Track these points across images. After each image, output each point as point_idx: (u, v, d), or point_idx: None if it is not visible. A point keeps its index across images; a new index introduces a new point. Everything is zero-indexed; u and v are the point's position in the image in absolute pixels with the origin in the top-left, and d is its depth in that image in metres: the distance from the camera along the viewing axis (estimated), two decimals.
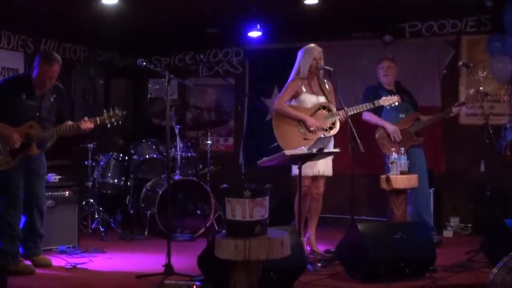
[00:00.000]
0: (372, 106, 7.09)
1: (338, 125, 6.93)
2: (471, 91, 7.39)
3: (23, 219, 6.45)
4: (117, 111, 6.45)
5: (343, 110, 6.79)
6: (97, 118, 6.44)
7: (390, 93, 7.59)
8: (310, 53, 6.99)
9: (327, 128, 6.91)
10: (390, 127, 7.71)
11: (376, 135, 7.80)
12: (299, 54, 7.07)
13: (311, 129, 6.83)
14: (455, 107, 7.74)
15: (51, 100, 6.46)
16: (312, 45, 7.07)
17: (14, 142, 6.11)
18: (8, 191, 6.23)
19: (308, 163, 6.51)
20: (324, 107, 6.98)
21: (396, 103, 7.19)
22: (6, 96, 6.20)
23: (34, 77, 6.32)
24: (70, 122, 6.45)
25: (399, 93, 7.75)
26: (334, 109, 6.98)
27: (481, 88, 7.82)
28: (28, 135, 6.21)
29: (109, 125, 6.49)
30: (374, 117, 7.77)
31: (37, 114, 6.31)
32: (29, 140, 6.22)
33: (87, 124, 6.40)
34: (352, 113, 6.87)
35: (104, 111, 6.51)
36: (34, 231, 6.56)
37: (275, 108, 7.01)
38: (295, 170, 6.85)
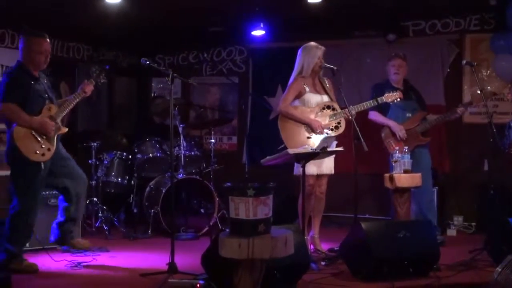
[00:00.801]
0: (376, 104, 7.09)
1: (343, 124, 6.94)
2: (478, 91, 7.38)
3: (63, 206, 6.54)
4: (99, 68, 6.74)
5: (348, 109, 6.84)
6: (92, 80, 6.63)
7: (397, 90, 7.62)
8: (314, 52, 6.98)
9: (333, 127, 6.93)
10: (395, 125, 7.71)
11: (382, 135, 7.80)
12: (300, 53, 7.07)
13: (317, 131, 6.84)
14: (461, 107, 7.74)
15: (45, 82, 6.48)
16: (313, 43, 7.06)
17: (50, 129, 6.18)
18: (33, 191, 6.23)
19: (312, 162, 6.53)
20: (328, 107, 6.98)
21: (398, 99, 7.18)
22: (22, 87, 6.17)
23: (27, 59, 6.27)
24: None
25: (407, 91, 7.78)
26: (339, 108, 6.98)
27: (489, 87, 7.82)
28: (52, 118, 6.28)
29: (101, 82, 6.81)
30: (380, 116, 7.77)
31: (47, 96, 6.35)
32: (55, 121, 6.29)
33: (89, 87, 6.56)
34: (357, 111, 6.86)
35: (94, 74, 6.71)
36: (76, 216, 6.61)
37: (281, 111, 7.01)
38: (297, 169, 6.88)
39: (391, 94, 7.15)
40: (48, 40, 6.33)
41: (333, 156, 6.94)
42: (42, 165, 6.16)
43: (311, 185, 6.88)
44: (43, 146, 6.14)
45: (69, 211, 6.52)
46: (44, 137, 6.17)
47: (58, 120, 6.33)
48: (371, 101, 7.10)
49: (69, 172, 6.49)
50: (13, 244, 6.19)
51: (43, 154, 6.14)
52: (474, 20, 8.92)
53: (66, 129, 6.47)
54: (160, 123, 10.04)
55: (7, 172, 8.20)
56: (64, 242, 6.60)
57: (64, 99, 6.55)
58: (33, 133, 6.10)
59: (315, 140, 6.76)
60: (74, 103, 6.51)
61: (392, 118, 7.78)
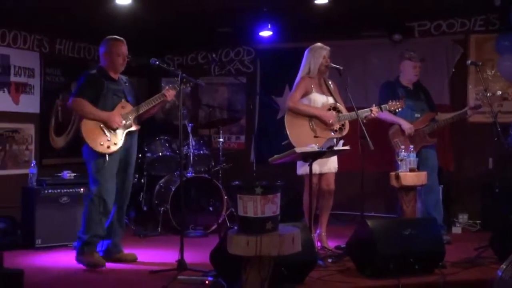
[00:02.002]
0: (380, 111, 7.12)
1: (347, 126, 7.00)
2: (489, 94, 7.41)
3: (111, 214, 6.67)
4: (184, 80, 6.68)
5: (375, 106, 6.99)
6: (176, 86, 6.65)
7: (406, 90, 7.69)
8: (319, 52, 7.02)
9: (337, 129, 6.99)
10: (405, 124, 7.72)
11: (390, 133, 7.85)
12: (306, 54, 7.11)
13: (330, 121, 6.90)
14: (470, 109, 7.80)
15: (127, 85, 6.73)
16: (319, 44, 7.11)
17: (116, 122, 6.40)
18: (102, 182, 6.42)
19: (315, 161, 6.61)
20: (334, 108, 7.03)
21: (400, 109, 7.24)
22: (96, 85, 6.44)
23: (106, 63, 6.60)
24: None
25: (416, 91, 7.83)
26: (344, 110, 7.04)
27: (499, 92, 7.85)
28: (124, 115, 6.51)
29: (187, 90, 7.05)
30: (390, 115, 7.71)
31: (123, 95, 6.60)
32: (126, 118, 6.51)
33: (170, 92, 6.66)
34: (363, 116, 6.88)
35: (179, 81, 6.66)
36: (122, 226, 6.79)
37: (289, 107, 7.02)
38: (300, 169, 6.93)
39: (394, 103, 7.14)
40: (125, 44, 6.65)
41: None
42: (107, 157, 6.37)
43: (315, 183, 6.90)
44: (109, 139, 6.38)
45: (111, 224, 6.66)
46: (112, 131, 6.40)
47: (131, 118, 6.55)
48: (376, 107, 7.12)
49: (122, 180, 6.66)
50: (85, 232, 6.41)
51: (108, 147, 6.37)
52: (479, 21, 8.95)
53: (138, 127, 6.68)
54: (163, 121, 10.11)
55: (18, 171, 8.37)
56: (109, 256, 6.66)
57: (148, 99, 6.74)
58: (102, 126, 6.36)
59: (322, 139, 6.82)
60: (151, 104, 6.66)
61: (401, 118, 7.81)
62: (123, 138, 6.49)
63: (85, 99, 6.35)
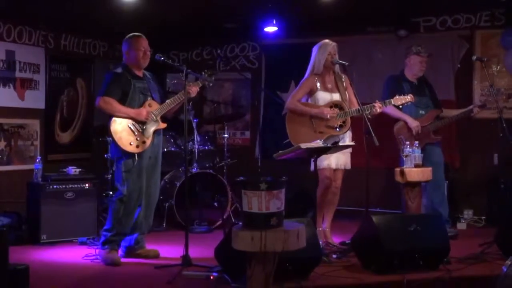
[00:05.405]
0: (385, 106, 7.05)
1: (348, 123, 6.95)
2: (491, 90, 7.40)
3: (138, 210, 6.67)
4: (210, 71, 6.80)
5: (378, 102, 6.88)
6: (199, 82, 6.73)
7: (411, 85, 7.66)
8: (324, 48, 6.98)
9: (337, 126, 6.96)
10: (411, 121, 7.71)
11: (395, 129, 7.84)
12: (314, 50, 7.07)
13: (328, 116, 6.87)
14: (476, 107, 7.79)
15: (151, 81, 6.73)
16: (326, 40, 7.07)
17: (144, 116, 6.41)
18: (131, 182, 6.43)
19: (330, 156, 6.58)
20: (336, 105, 6.99)
21: (409, 103, 7.17)
22: (122, 84, 6.43)
23: (129, 60, 6.57)
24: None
25: (421, 87, 7.80)
26: (347, 108, 6.96)
27: (503, 89, 7.83)
28: (151, 113, 6.51)
29: (209, 85, 6.95)
30: (396, 110, 7.67)
31: (149, 94, 6.60)
32: (153, 116, 6.51)
33: (193, 88, 6.66)
34: (367, 112, 6.83)
35: (204, 75, 6.75)
36: (148, 224, 6.80)
37: (287, 107, 7.07)
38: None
39: (401, 97, 7.02)
40: (145, 38, 6.62)
41: (350, 150, 7.00)
42: (136, 156, 6.38)
43: (328, 177, 6.93)
44: (138, 138, 6.39)
45: (137, 221, 6.67)
46: (140, 130, 6.40)
47: (158, 117, 6.54)
48: (379, 103, 7.06)
49: (150, 179, 6.66)
50: (109, 230, 6.45)
51: (137, 146, 6.38)
52: (484, 16, 8.93)
53: (165, 125, 6.68)
54: (170, 118, 10.11)
55: (24, 167, 8.38)
56: (131, 252, 6.69)
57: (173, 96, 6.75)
58: (129, 126, 6.38)
59: (323, 136, 6.80)
60: (177, 101, 6.65)
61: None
62: (151, 136, 6.49)
63: (113, 98, 6.35)
